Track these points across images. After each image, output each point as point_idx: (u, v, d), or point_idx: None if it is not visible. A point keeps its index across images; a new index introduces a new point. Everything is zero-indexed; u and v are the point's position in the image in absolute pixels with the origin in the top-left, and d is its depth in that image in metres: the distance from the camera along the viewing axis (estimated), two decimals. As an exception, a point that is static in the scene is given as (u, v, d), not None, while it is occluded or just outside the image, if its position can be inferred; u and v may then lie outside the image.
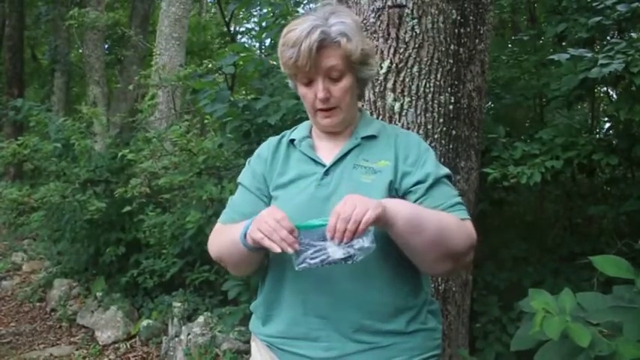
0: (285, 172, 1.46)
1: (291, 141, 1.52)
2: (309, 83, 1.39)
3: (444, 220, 1.31)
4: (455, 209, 1.36)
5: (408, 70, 2.35)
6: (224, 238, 1.45)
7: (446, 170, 1.43)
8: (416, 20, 2.34)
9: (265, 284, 1.47)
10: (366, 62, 1.40)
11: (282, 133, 1.58)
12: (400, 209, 1.24)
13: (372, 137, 1.46)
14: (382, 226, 1.23)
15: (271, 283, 1.44)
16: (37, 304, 5.35)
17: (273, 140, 1.57)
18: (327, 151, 1.47)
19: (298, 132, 1.54)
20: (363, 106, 1.48)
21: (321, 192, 1.38)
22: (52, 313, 5.05)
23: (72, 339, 4.52)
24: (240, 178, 1.56)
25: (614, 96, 3.88)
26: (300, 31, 1.32)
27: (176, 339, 3.89)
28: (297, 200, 1.39)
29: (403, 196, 1.37)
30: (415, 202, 1.35)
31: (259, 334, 1.47)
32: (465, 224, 1.35)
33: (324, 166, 1.43)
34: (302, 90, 1.42)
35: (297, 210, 1.35)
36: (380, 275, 1.34)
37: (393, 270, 1.36)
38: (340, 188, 1.37)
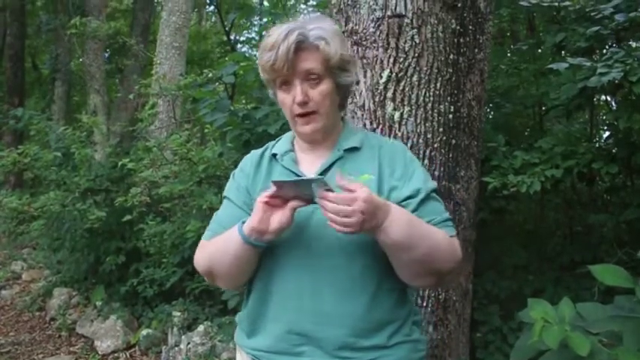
0: (268, 187, 1.43)
1: (274, 155, 1.50)
2: (288, 87, 1.37)
3: (434, 238, 1.30)
4: (445, 225, 1.37)
5: (408, 80, 2.36)
6: (214, 246, 1.43)
7: (434, 183, 1.43)
8: (415, 30, 2.34)
9: (250, 298, 1.45)
10: (345, 68, 1.39)
11: (265, 146, 1.56)
12: (397, 229, 1.23)
13: (355, 149, 1.43)
14: (372, 231, 1.23)
15: (256, 298, 1.43)
16: (37, 313, 5.33)
17: (255, 154, 1.55)
18: (310, 164, 1.45)
19: (280, 145, 1.51)
20: (345, 115, 1.47)
21: (305, 207, 1.35)
22: (52, 323, 5.04)
23: (71, 348, 4.50)
24: (226, 192, 1.54)
25: (614, 105, 3.89)
26: (277, 34, 1.32)
27: (176, 348, 3.88)
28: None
29: None
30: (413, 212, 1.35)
31: (244, 346, 1.46)
32: (453, 242, 1.36)
33: None
34: (280, 96, 1.40)
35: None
36: (365, 291, 1.33)
37: (378, 284, 1.35)
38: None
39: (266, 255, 1.37)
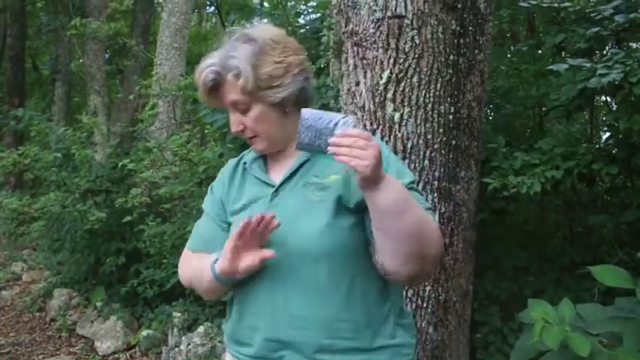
0: (240, 198, 1.44)
1: (245, 164, 1.50)
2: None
3: (423, 213, 1.27)
4: (428, 213, 1.33)
5: (408, 81, 2.36)
6: (193, 269, 1.46)
7: (411, 176, 1.38)
8: (415, 31, 2.35)
9: (231, 310, 1.47)
10: (272, 86, 1.32)
11: (241, 154, 1.55)
12: (392, 191, 1.20)
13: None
14: (370, 186, 1.19)
15: (235, 310, 1.44)
16: (37, 314, 5.34)
17: (231, 163, 1.56)
18: (278, 170, 1.43)
19: (251, 153, 1.50)
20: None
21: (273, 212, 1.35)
22: (52, 323, 5.04)
23: (71, 349, 4.51)
24: (203, 204, 1.55)
25: (614, 106, 3.89)
26: (198, 73, 1.37)
27: (176, 349, 3.88)
28: None
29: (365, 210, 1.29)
30: None
31: (231, 350, 1.48)
32: (438, 227, 1.33)
33: (273, 186, 1.40)
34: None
35: None
36: (336, 293, 1.31)
37: (349, 286, 1.32)
38: (288, 208, 1.34)
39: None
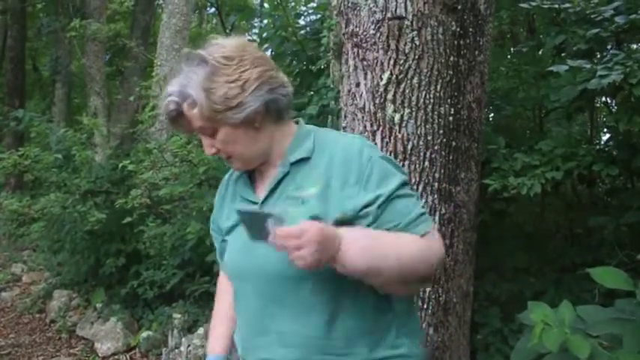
0: (230, 216, 1.41)
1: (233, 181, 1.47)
2: None
3: (403, 252, 1.20)
4: (414, 225, 1.26)
5: (408, 82, 2.36)
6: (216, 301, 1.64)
7: (398, 178, 1.28)
8: (415, 32, 2.34)
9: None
10: (230, 107, 1.23)
11: (230, 170, 1.51)
12: (353, 257, 1.14)
13: (304, 160, 1.31)
14: (331, 264, 1.15)
15: (237, 323, 1.47)
16: (37, 315, 5.33)
17: (224, 178, 1.53)
18: (263, 184, 1.38)
19: None
20: (298, 121, 1.39)
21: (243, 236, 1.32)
22: (52, 325, 5.04)
23: (71, 350, 4.50)
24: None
25: (614, 107, 3.89)
26: (161, 103, 1.33)
27: (176, 350, 3.87)
28: (234, 247, 1.39)
29: (351, 222, 1.24)
30: (368, 226, 1.24)
31: None
32: (428, 243, 1.25)
33: (257, 203, 1.35)
34: None
35: (234, 259, 1.38)
36: (323, 308, 1.26)
37: (337, 299, 1.27)
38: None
39: (231, 288, 1.45)
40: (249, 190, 1.39)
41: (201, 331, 3.79)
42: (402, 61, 2.35)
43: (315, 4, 4.48)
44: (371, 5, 2.39)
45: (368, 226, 1.24)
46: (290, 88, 1.35)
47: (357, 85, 2.45)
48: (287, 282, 1.26)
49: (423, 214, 1.28)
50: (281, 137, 1.35)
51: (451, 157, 2.45)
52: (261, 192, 1.36)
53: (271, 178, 1.34)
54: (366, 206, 1.24)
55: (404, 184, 1.29)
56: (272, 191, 1.33)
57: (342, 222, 1.23)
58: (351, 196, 1.25)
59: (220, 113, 1.24)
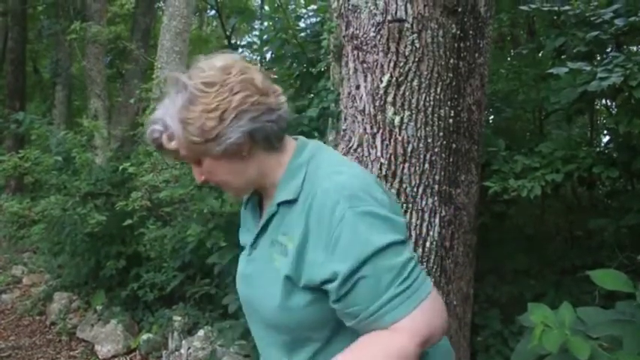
0: (243, 235, 1.36)
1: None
2: None
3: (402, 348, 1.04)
4: (384, 312, 1.05)
5: (408, 84, 2.36)
6: None
7: (371, 248, 1.05)
8: (416, 34, 2.35)
9: None
10: (208, 139, 1.14)
11: None
12: None
13: (291, 202, 1.17)
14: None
15: None
16: (37, 317, 5.32)
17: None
18: (263, 214, 1.29)
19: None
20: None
21: (247, 269, 1.28)
22: (52, 327, 5.03)
23: (71, 353, 4.50)
24: None
25: (614, 109, 3.90)
26: (146, 129, 1.24)
27: (176, 353, 3.87)
28: (238, 271, 1.34)
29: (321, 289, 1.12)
30: (335, 303, 1.10)
31: None
32: (399, 342, 1.04)
33: (253, 235, 1.28)
34: None
35: (237, 284, 1.33)
36: (311, 346, 1.19)
37: (323, 344, 1.19)
38: (258, 269, 1.23)
39: None
40: (253, 218, 1.33)
41: (201, 333, 3.79)
42: (402, 64, 2.36)
43: (315, 7, 4.48)
44: (371, 8, 2.40)
45: (333, 302, 1.10)
46: (282, 110, 1.20)
47: (357, 87, 2.46)
48: (269, 326, 1.23)
49: (397, 295, 1.05)
50: (275, 165, 1.22)
51: (451, 160, 2.46)
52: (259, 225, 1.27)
53: (265, 213, 1.24)
54: (325, 282, 1.08)
55: (381, 251, 1.06)
56: (263, 229, 1.23)
57: (312, 288, 1.12)
58: (319, 262, 1.09)
59: (199, 145, 1.15)
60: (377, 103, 2.38)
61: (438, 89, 2.39)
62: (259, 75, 1.19)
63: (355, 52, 2.47)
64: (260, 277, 1.21)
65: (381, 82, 2.37)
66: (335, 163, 1.20)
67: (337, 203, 1.08)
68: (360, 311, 1.06)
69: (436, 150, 2.40)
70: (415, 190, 2.37)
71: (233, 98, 1.12)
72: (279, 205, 1.18)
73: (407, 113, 2.36)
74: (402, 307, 1.05)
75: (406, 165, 2.36)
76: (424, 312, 1.06)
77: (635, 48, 3.46)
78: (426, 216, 2.40)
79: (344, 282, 1.06)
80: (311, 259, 1.10)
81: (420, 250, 2.39)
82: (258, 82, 1.17)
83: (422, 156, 2.38)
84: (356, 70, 2.47)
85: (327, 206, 1.09)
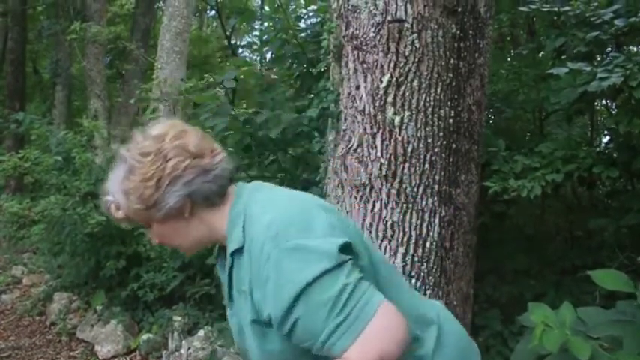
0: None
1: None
2: None
3: None
4: (331, 344, 1.05)
5: (408, 84, 2.36)
6: None
7: (295, 289, 1.04)
8: (416, 35, 2.35)
9: None
10: (148, 206, 1.18)
11: None
12: None
13: (239, 250, 1.18)
14: None
15: None
16: (37, 317, 5.31)
17: None
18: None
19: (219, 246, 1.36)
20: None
21: (233, 323, 1.30)
22: (52, 327, 5.02)
23: (71, 353, 4.49)
24: None
25: (614, 109, 3.90)
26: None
27: (176, 353, 3.87)
28: (232, 327, 1.33)
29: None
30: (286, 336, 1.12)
31: None
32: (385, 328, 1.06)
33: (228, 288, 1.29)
34: None
35: (235, 338, 1.33)
36: None
37: None
38: (239, 321, 1.25)
39: None
40: (223, 273, 1.32)
41: (201, 333, 3.79)
42: (402, 64, 2.36)
43: (315, 7, 4.48)
44: (371, 8, 2.40)
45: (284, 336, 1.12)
46: (218, 169, 1.22)
47: (357, 87, 2.46)
48: None
49: (338, 326, 1.04)
50: (221, 219, 1.23)
51: (451, 160, 2.46)
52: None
53: (226, 267, 1.25)
54: (266, 323, 1.12)
55: (310, 287, 1.05)
56: (230, 282, 1.25)
57: (267, 324, 1.13)
58: (261, 303, 1.12)
59: (143, 212, 1.20)
60: (377, 104, 2.38)
61: (438, 89, 2.39)
62: (194, 138, 1.22)
63: (355, 52, 2.46)
64: (243, 328, 1.22)
65: (381, 82, 2.37)
66: (263, 204, 1.20)
67: (264, 244, 1.09)
68: (312, 344, 1.07)
69: (436, 150, 2.40)
70: (415, 190, 2.37)
71: (167, 165, 1.17)
72: (232, 255, 1.19)
73: (407, 113, 2.36)
74: (346, 336, 1.04)
75: (406, 165, 2.36)
76: (373, 332, 1.05)
77: (635, 48, 3.47)
78: (426, 216, 2.40)
79: (281, 324, 1.08)
80: (257, 300, 1.12)
81: (420, 250, 2.39)
82: (192, 147, 1.20)
83: (422, 156, 2.38)
84: (356, 70, 2.47)
85: (257, 248, 1.11)
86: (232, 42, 10.72)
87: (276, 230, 1.10)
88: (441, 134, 2.41)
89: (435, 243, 2.41)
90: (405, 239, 2.38)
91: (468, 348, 1.37)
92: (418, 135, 2.37)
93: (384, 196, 2.38)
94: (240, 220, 1.19)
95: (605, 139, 3.91)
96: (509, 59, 4.64)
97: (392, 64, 2.37)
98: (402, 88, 2.36)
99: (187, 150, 1.19)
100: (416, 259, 2.38)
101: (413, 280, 2.37)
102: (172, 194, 1.17)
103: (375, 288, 1.10)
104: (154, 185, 1.16)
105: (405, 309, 1.15)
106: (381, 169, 2.38)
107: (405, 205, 2.37)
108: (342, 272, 1.06)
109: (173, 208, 1.18)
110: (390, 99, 2.36)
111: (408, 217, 2.37)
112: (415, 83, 2.36)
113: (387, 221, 2.38)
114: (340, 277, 1.06)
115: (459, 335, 1.36)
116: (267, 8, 7.01)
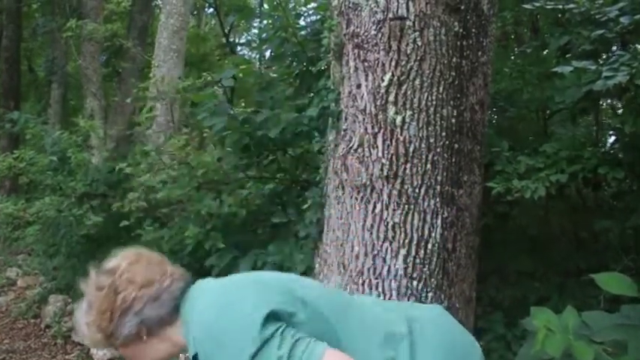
0: None
1: None
2: None
3: None
4: None
5: (410, 83, 2.33)
6: None
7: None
8: (417, 33, 2.31)
9: None
10: (107, 335, 1.30)
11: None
12: None
13: (196, 357, 1.25)
14: None
15: None
16: (32, 320, 5.27)
17: None
18: None
19: None
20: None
21: None
22: (47, 330, 4.98)
23: (67, 356, 4.45)
24: None
25: (619, 108, 3.86)
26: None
27: (173, 356, 3.82)
28: None
29: None
30: None
31: None
32: None
33: None
34: None
35: None
36: None
37: None
38: None
39: None
40: None
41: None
42: (403, 62, 2.32)
43: (315, 5, 4.44)
44: (372, 5, 2.36)
45: None
46: (166, 293, 1.31)
47: (358, 86, 2.42)
48: None
49: None
50: (178, 332, 1.32)
51: (454, 160, 2.42)
52: None
53: None
54: None
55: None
56: None
57: None
58: None
59: (104, 340, 1.31)
60: (378, 103, 2.34)
61: (441, 88, 2.35)
62: (142, 269, 1.33)
63: (356, 50, 2.43)
64: None
65: (383, 81, 2.33)
66: (192, 311, 1.28)
67: (188, 341, 1.24)
68: None
69: (438, 150, 2.36)
70: (417, 190, 2.34)
71: (117, 298, 1.28)
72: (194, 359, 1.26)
73: (409, 113, 2.32)
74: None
75: (408, 165, 2.33)
76: None
77: (640, 46, 3.42)
78: (428, 217, 2.36)
79: None
80: None
81: (422, 252, 2.35)
82: (139, 278, 1.30)
83: (424, 156, 2.34)
84: (357, 68, 2.43)
85: (190, 343, 1.24)
86: (231, 40, 10.69)
87: (198, 332, 1.22)
88: (444, 134, 2.37)
89: (437, 245, 2.37)
90: (407, 241, 2.34)
91: (459, 349, 1.38)
92: (420, 135, 2.33)
93: (385, 196, 2.34)
94: (187, 327, 1.28)
95: (611, 139, 3.89)
96: (512, 57, 4.60)
97: (393, 63, 2.33)
98: (404, 87, 2.33)
99: (134, 282, 1.30)
100: (418, 261, 2.34)
101: (414, 283, 2.33)
102: (125, 324, 1.28)
103: (315, 340, 1.16)
104: (108, 318, 1.28)
105: (371, 330, 1.28)
106: (382, 170, 2.34)
107: (406, 206, 2.33)
108: (272, 347, 1.14)
109: (129, 335, 1.29)
110: (391, 98, 2.33)
111: (409, 218, 2.33)
112: (417, 82, 2.32)
113: (388, 222, 2.34)
114: (272, 353, 1.14)
115: (445, 338, 1.37)
116: (266, 6, 6.97)
